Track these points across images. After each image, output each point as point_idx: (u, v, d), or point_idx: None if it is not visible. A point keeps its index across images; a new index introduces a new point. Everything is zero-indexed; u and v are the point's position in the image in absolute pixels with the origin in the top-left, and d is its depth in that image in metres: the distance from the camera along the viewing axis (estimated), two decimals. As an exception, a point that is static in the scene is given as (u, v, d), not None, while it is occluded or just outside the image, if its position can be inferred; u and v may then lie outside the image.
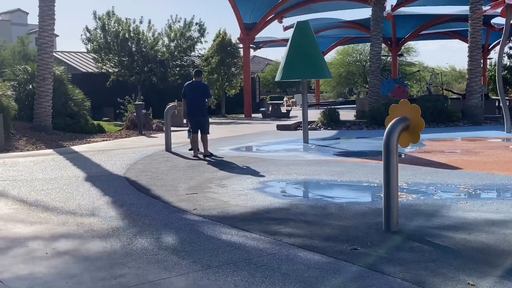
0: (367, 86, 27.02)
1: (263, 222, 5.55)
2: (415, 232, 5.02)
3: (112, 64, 26.45)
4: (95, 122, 17.80)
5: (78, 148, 13.05)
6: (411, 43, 49.54)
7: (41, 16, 15.55)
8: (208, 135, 11.16)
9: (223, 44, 29.14)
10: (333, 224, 5.42)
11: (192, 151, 11.21)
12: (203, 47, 28.96)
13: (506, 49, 19.08)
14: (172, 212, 6.07)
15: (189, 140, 11.96)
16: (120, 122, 21.28)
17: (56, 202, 6.69)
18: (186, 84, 11.27)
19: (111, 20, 25.67)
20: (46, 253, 4.61)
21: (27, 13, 58.71)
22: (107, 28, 25.53)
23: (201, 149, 11.09)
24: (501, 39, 15.06)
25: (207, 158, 10.64)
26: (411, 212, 5.82)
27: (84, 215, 5.98)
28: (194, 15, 47.43)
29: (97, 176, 8.68)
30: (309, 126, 16.32)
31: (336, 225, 5.36)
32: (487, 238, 4.75)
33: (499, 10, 15.44)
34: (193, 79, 11.17)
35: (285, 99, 41.42)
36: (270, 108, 28.12)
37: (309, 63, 12.59)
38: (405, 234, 4.96)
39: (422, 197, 6.57)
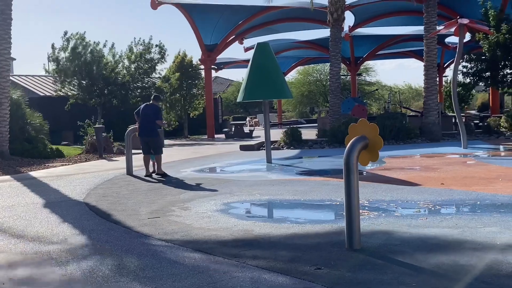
0: (327, 105, 27.42)
1: (227, 244, 5.51)
2: (377, 249, 5.07)
3: (71, 87, 26.05)
4: (54, 147, 17.43)
5: (36, 173, 12.74)
6: (369, 63, 50.71)
7: (-3, 40, 15.23)
8: (161, 155, 11.49)
9: (182, 65, 29.15)
10: (297, 244, 5.43)
11: (155, 175, 11.23)
12: (164, 67, 28.88)
13: (460, 67, 19.72)
14: (134, 237, 5.97)
15: (151, 162, 11.89)
16: (80, 146, 20.93)
17: (13, 230, 6.49)
18: (141, 105, 11.70)
19: (82, 42, 25.24)
20: (3, 283, 4.45)
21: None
22: (77, 50, 25.06)
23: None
24: (455, 57, 15.55)
25: (169, 180, 10.56)
26: (373, 229, 5.88)
27: (42, 243, 5.81)
28: (151, 36, 47.16)
29: (56, 202, 8.48)
30: (272, 146, 16.41)
31: (300, 245, 5.36)
32: (446, 253, 4.83)
33: (452, 29, 15.99)
34: (151, 102, 11.65)
35: (247, 119, 41.59)
36: (233, 128, 28.16)
37: (270, 83, 12.70)
38: (367, 252, 5.00)
39: (383, 214, 6.66)
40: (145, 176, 11.17)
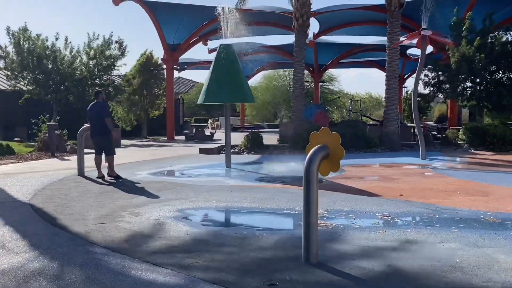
0: (290, 111, 27.42)
1: (177, 255, 5.20)
2: (335, 263, 4.85)
3: (26, 82, 25.13)
4: (4, 143, 16.69)
5: (-18, 171, 12.09)
6: (332, 71, 51.04)
7: None
8: (113, 155, 11.07)
9: (146, 65, 28.59)
10: (251, 256, 5.16)
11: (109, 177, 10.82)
12: (123, 63, 28.18)
13: (422, 75, 19.99)
14: (79, 245, 5.58)
15: (106, 164, 11.44)
16: (32, 143, 20.16)
17: None
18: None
19: (25, 37, 24.43)
20: None
21: None
22: (21, 44, 24.27)
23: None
24: (417, 68, 15.63)
25: (122, 183, 10.15)
26: (331, 241, 5.68)
27: (-24, 249, 5.36)
28: (112, 32, 46.18)
29: (-1, 203, 7.97)
30: (232, 150, 16.12)
31: (254, 257, 5.10)
32: (405, 271, 4.65)
33: (414, 41, 16.08)
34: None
35: (209, 121, 41.21)
36: (193, 130, 27.74)
37: (231, 86, 12.42)
38: (324, 266, 4.78)
39: (341, 226, 6.47)
40: (97, 177, 10.71)
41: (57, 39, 25.27)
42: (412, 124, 22.96)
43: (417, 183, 10.26)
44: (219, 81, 12.40)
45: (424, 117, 38.65)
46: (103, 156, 11.12)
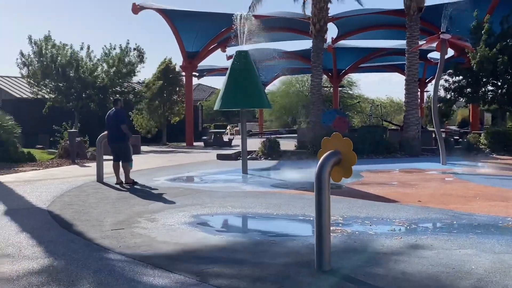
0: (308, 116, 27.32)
1: (191, 261, 5.21)
2: (348, 271, 4.81)
3: (48, 90, 25.52)
4: (26, 150, 16.95)
5: (4, 178, 12.28)
6: (352, 76, 50.84)
7: (-31, 38, 14.79)
8: (129, 162, 11.12)
9: (166, 71, 28.83)
10: (264, 262, 5.14)
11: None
12: (142, 66, 28.40)
13: (441, 81, 19.74)
14: (93, 251, 5.63)
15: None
16: (54, 150, 20.42)
17: (-34, 240, 6.11)
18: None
19: (48, 45, 24.84)
20: None
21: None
22: (44, 52, 24.68)
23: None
24: (437, 72, 15.47)
25: (139, 189, 10.23)
26: (345, 248, 5.63)
27: (-6, 255, 5.45)
28: (128, 40, 46.54)
29: (18, 210, 8.09)
30: (249, 156, 16.14)
31: (267, 264, 5.08)
32: (420, 277, 4.59)
33: (434, 44, 15.92)
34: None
35: (228, 127, 41.31)
36: (212, 136, 27.84)
37: (247, 92, 12.44)
38: (337, 273, 4.73)
39: (357, 232, 6.41)
40: (115, 184, 10.81)
41: (81, 48, 25.66)
42: (433, 129, 22.70)
43: (436, 189, 10.14)
44: (235, 88, 12.44)
45: (446, 122, 38.22)
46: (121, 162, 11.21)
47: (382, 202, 8.64)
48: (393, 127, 31.56)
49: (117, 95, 26.29)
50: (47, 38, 24.93)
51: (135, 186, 10.67)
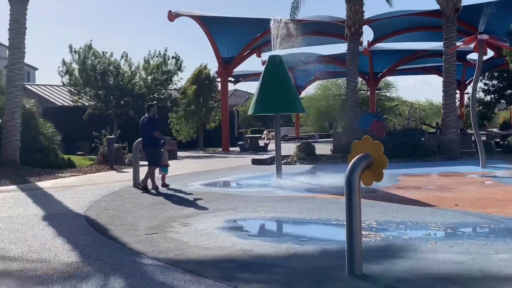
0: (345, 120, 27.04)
1: (222, 265, 5.22)
2: (379, 276, 4.73)
3: (88, 97, 26.14)
4: (66, 157, 17.37)
5: (44, 184, 12.61)
6: (390, 78, 50.19)
7: (11, 48, 15.31)
8: (162, 168, 11.24)
9: (200, 77, 29.11)
10: (295, 267, 5.11)
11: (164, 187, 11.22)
12: (180, 77, 28.77)
13: (481, 84, 19.29)
14: (127, 255, 5.71)
15: (160, 175, 11.71)
16: (94, 156, 20.85)
17: (6, 244, 6.29)
18: None
19: (89, 54, 25.45)
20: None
21: (6, 46, 58.17)
22: (85, 61, 25.27)
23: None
24: (475, 73, 15.13)
25: (174, 194, 10.34)
26: (378, 253, 5.55)
27: (31, 259, 5.59)
28: (167, 47, 47.22)
29: (56, 215, 8.29)
30: (284, 161, 16.12)
31: (298, 269, 5.05)
32: (454, 283, 4.48)
33: (471, 45, 15.57)
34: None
35: (265, 132, 41.35)
36: (248, 141, 27.93)
37: (280, 97, 12.43)
38: (369, 278, 4.67)
39: (390, 237, 6.31)
40: (151, 189, 10.95)
41: (122, 57, 26.22)
42: (472, 131, 22.19)
43: (475, 193, 9.89)
44: (268, 92, 12.45)
45: (487, 124, 37.29)
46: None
47: (418, 206, 8.49)
48: (432, 130, 31.01)
49: (154, 102, 26.72)
50: (89, 47, 25.54)
51: (160, 191, 10.75)
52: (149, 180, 11.01)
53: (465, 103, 40.69)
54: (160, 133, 11.41)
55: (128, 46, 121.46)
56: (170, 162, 13.22)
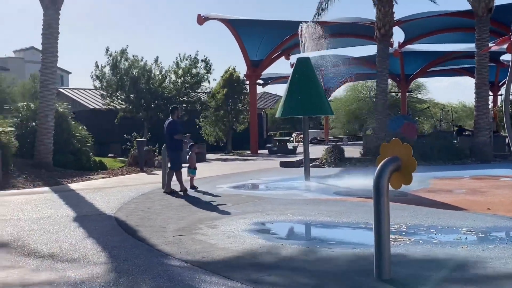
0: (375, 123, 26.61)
1: (248, 268, 5.22)
2: (409, 280, 4.67)
3: (119, 101, 26.52)
4: (97, 159, 17.65)
5: (75, 185, 12.84)
6: (421, 80, 49.52)
7: (44, 53, 15.65)
8: (175, 171, 11.08)
9: (230, 80, 29.23)
10: (322, 270, 5.08)
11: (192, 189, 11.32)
12: (214, 78, 28.97)
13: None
14: (154, 256, 5.76)
15: (188, 177, 11.79)
16: (125, 159, 21.13)
17: (37, 244, 6.42)
18: None
19: (123, 58, 25.83)
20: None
21: (40, 51, 59.49)
22: (118, 65, 25.66)
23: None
24: (508, 75, 14.76)
25: (202, 196, 10.40)
26: (407, 257, 5.47)
27: (61, 259, 5.69)
28: (198, 51, 47.50)
29: (86, 216, 8.42)
30: (313, 163, 16.04)
31: (325, 272, 5.02)
32: (485, 286, 4.39)
33: (505, 46, 15.22)
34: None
35: (293, 135, 41.24)
36: (277, 144, 27.91)
37: (308, 99, 12.37)
38: (397, 283, 4.60)
39: (420, 241, 6.21)
40: (179, 191, 11.00)
41: (155, 61, 26.52)
42: (505, 134, 21.69)
43: (508, 196, 9.67)
44: (296, 95, 12.41)
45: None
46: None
47: (448, 210, 8.34)
48: (466, 133, 30.47)
49: (184, 105, 26.96)
50: (123, 52, 25.92)
51: (180, 193, 10.81)
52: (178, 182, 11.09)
53: (498, 105, 39.84)
54: (184, 136, 11.41)
55: (157, 49, 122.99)
56: (198, 164, 13.33)
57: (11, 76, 37.97)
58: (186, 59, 27.01)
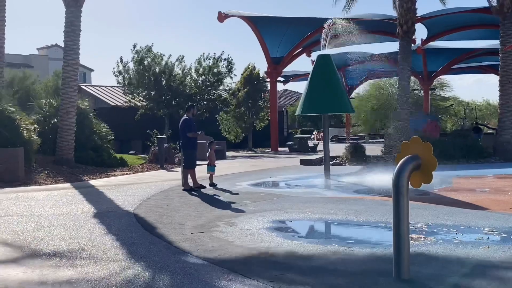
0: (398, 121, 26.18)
1: (266, 266, 5.19)
2: (428, 281, 4.59)
3: (141, 98, 26.69)
4: (118, 156, 17.78)
5: (96, 182, 12.95)
6: (445, 77, 48.82)
7: (66, 50, 15.80)
8: (188, 169, 11.14)
9: (250, 78, 29.19)
10: (340, 270, 5.02)
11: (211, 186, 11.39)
12: (231, 81, 28.91)
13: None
14: (172, 254, 5.77)
15: (208, 175, 11.81)
16: (146, 156, 21.29)
17: (57, 240, 6.48)
18: None
19: (147, 55, 25.97)
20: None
21: (62, 48, 60.26)
22: (142, 61, 25.80)
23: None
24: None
25: (221, 194, 10.40)
26: (427, 257, 5.37)
27: (80, 256, 5.73)
28: (223, 51, 47.61)
29: (106, 212, 8.48)
30: (333, 161, 15.94)
31: (343, 271, 4.96)
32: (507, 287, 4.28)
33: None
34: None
35: (314, 133, 41.05)
36: (297, 142, 27.81)
37: (328, 97, 12.28)
38: (416, 283, 4.53)
39: (441, 241, 6.11)
40: (195, 187, 11.02)
41: (177, 60, 26.60)
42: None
43: (532, 196, 9.46)
44: (316, 92, 12.33)
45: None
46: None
47: (470, 209, 8.19)
48: (490, 131, 30.00)
49: (204, 102, 27.01)
50: (149, 49, 26.06)
51: (192, 192, 10.77)
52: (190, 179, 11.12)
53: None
54: (199, 133, 11.39)
55: (177, 47, 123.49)
56: (218, 162, 13.34)
57: (35, 73, 38.52)
58: (209, 59, 27.03)
